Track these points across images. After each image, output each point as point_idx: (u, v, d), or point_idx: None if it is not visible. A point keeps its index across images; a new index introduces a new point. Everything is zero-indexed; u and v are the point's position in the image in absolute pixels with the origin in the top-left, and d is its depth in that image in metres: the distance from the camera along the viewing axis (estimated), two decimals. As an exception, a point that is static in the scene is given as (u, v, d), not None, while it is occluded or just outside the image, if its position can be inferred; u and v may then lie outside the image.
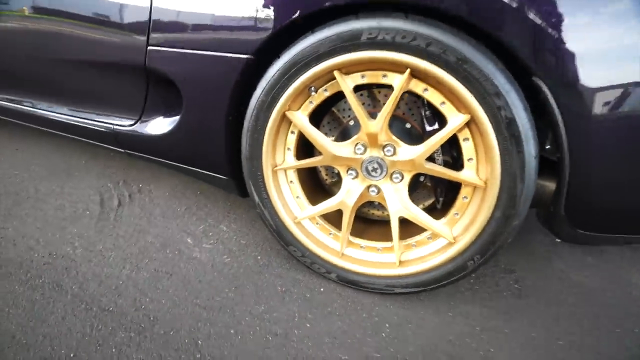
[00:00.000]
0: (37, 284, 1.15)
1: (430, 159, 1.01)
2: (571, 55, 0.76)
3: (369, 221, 1.28)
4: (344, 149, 1.04)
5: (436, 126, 1.00)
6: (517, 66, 0.82)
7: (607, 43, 0.76)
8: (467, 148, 0.93)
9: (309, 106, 1.03)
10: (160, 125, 1.27)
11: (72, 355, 0.96)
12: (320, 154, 1.07)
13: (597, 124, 0.80)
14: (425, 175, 1.10)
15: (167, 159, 1.35)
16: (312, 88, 1.00)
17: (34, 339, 0.99)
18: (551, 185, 0.97)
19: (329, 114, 1.21)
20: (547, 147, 0.95)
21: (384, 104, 0.96)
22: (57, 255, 1.26)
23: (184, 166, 1.33)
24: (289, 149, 1.11)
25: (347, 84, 0.95)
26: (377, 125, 0.96)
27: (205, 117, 1.14)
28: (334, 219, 1.17)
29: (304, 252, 1.17)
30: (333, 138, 1.16)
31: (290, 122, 1.06)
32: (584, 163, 0.85)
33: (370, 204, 1.27)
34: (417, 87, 0.92)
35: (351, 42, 0.88)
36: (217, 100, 1.09)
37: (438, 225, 1.02)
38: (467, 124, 0.90)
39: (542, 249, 1.34)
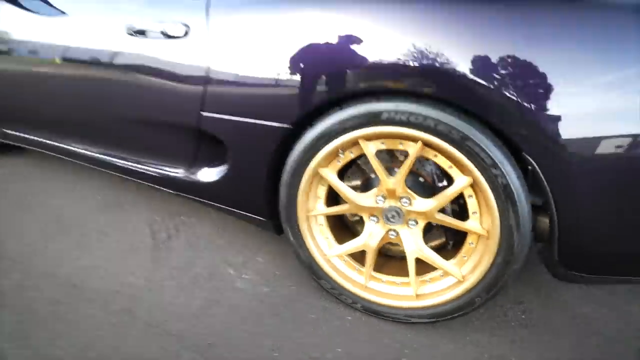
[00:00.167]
0: (113, 310, 1.38)
1: (441, 208, 1.19)
2: (547, 126, 0.93)
3: (388, 256, 1.47)
4: (367, 199, 1.23)
5: (445, 183, 1.18)
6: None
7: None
8: (472, 203, 1.11)
9: (337, 165, 1.23)
10: (208, 174, 1.50)
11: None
12: (346, 202, 1.27)
13: (578, 181, 0.96)
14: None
15: (212, 202, 1.57)
16: (341, 151, 1.20)
17: (118, 357, 1.21)
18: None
19: (354, 165, 1.40)
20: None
21: (400, 159, 1.15)
22: (124, 284, 1.49)
23: (228, 208, 1.55)
24: (319, 198, 1.31)
25: (369, 149, 1.15)
26: (395, 182, 1.15)
27: (249, 170, 1.36)
28: (357, 254, 1.36)
29: (333, 285, 1.36)
30: (356, 183, 1.35)
31: (321, 177, 1.27)
32: (570, 215, 1.01)
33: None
34: (429, 153, 1.11)
35: (373, 119, 1.08)
36: (260, 158, 1.30)
37: (449, 266, 1.20)
38: (471, 184, 1.08)
39: (549, 281, 1.45)
